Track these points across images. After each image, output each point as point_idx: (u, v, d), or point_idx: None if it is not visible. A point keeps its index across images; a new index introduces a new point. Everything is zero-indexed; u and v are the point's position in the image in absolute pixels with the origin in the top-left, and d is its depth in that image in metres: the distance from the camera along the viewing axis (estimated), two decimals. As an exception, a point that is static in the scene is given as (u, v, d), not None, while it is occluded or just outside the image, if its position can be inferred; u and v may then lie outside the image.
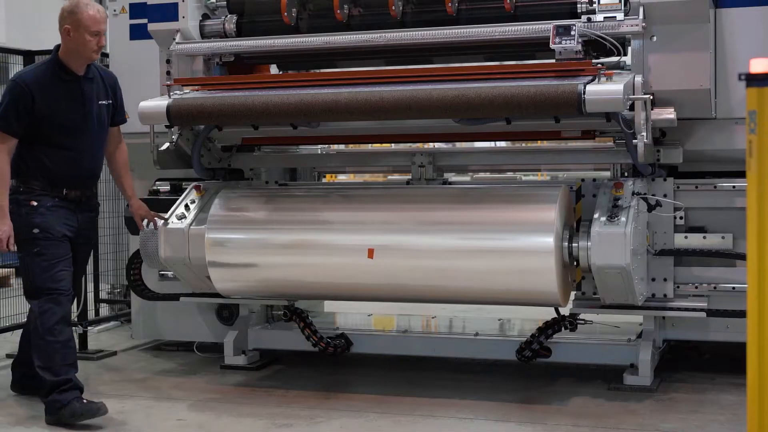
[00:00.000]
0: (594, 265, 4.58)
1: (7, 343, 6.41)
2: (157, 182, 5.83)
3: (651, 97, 4.56)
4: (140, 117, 5.15)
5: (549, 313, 5.20)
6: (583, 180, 5.18)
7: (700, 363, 5.57)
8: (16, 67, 6.67)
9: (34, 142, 4.65)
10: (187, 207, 5.28)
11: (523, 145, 6.85)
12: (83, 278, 6.29)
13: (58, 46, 4.73)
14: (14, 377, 5.18)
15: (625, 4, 4.75)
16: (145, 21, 5.62)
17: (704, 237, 5.05)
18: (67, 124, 4.68)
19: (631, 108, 4.49)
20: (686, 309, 4.99)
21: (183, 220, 5.20)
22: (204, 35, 5.53)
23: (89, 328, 6.40)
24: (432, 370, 5.61)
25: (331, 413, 4.59)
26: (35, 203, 4.65)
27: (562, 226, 4.68)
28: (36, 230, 4.62)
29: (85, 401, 4.53)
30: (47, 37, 13.49)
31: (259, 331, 5.82)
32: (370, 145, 6.17)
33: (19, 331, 6.35)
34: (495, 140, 6.27)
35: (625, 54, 4.83)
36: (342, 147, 6.20)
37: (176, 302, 5.80)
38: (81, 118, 4.72)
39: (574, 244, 4.71)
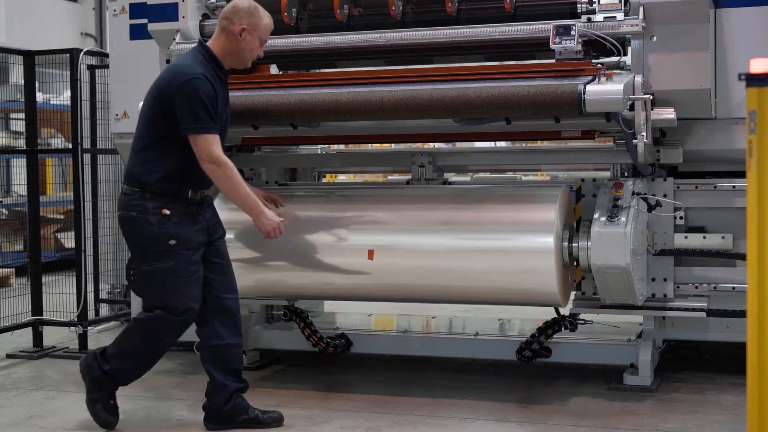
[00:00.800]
0: (594, 265, 4.59)
1: (7, 344, 6.41)
2: (157, 182, 5.82)
3: (651, 97, 4.56)
4: (140, 117, 5.15)
5: (549, 313, 5.21)
6: (583, 180, 5.18)
7: (700, 363, 5.57)
8: (16, 67, 6.68)
9: (171, 144, 4.28)
10: (187, 207, 5.28)
11: (523, 145, 6.86)
12: (84, 278, 6.32)
13: (204, 41, 4.43)
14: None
15: (625, 4, 4.75)
16: (145, 21, 5.62)
17: (704, 237, 5.05)
18: (221, 125, 4.37)
19: (631, 108, 4.48)
20: (686, 309, 4.98)
21: (183, 220, 5.20)
22: (204, 35, 5.52)
23: (89, 328, 6.40)
24: (432, 370, 5.61)
25: (330, 413, 4.59)
26: (168, 211, 4.26)
27: (562, 226, 4.69)
28: (173, 241, 4.26)
29: (111, 403, 4.46)
30: (47, 37, 13.53)
31: (259, 331, 5.82)
32: (370, 145, 6.17)
33: (19, 331, 6.39)
34: (495, 140, 6.27)
35: (625, 54, 4.83)
36: (342, 147, 6.19)
37: (176, 302, 5.79)
38: (226, 118, 4.48)
39: (574, 244, 4.72)
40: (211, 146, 4.23)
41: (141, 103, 4.46)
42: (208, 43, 4.42)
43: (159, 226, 4.27)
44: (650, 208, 4.92)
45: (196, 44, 4.55)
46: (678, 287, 5.07)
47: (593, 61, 4.66)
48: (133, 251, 4.44)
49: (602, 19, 4.74)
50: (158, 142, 4.30)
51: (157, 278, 4.30)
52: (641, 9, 4.68)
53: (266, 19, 4.45)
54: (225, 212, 5.08)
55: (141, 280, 4.41)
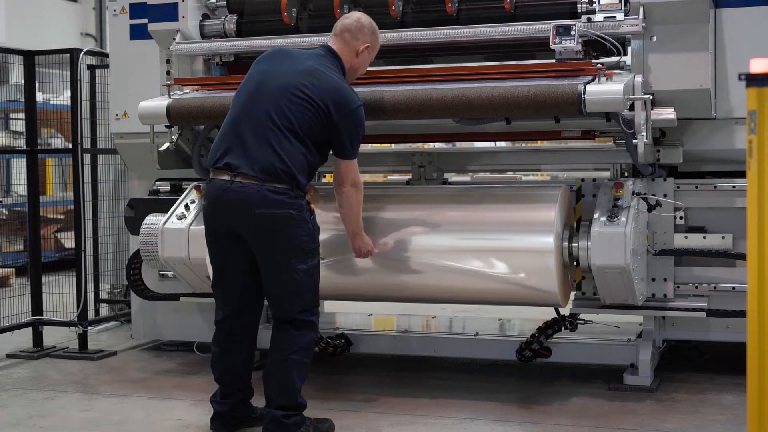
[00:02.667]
0: (594, 265, 4.59)
1: (7, 344, 6.41)
2: (157, 182, 5.83)
3: (651, 97, 4.56)
4: (140, 117, 5.15)
5: (549, 313, 5.21)
6: (583, 180, 5.18)
7: (700, 363, 5.57)
8: (16, 67, 6.67)
9: (319, 148, 4.26)
10: (187, 207, 5.27)
11: (523, 145, 6.85)
12: (84, 278, 6.32)
13: (339, 57, 4.37)
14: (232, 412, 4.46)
15: (625, 4, 4.75)
16: (145, 21, 5.62)
17: (704, 237, 5.05)
18: None
19: (631, 108, 4.48)
20: (686, 309, 4.99)
21: (183, 220, 5.20)
22: (204, 35, 5.53)
23: (89, 328, 6.40)
24: (432, 370, 5.61)
25: (331, 413, 4.59)
26: (313, 206, 4.32)
27: (562, 226, 4.68)
28: (319, 237, 4.30)
29: (312, 419, 4.32)
30: (47, 37, 13.50)
31: (259, 331, 5.80)
32: (369, 145, 6.17)
33: (19, 331, 6.38)
34: (495, 140, 6.27)
35: (625, 54, 4.83)
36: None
37: (176, 302, 5.80)
38: None
39: (574, 244, 4.72)
40: (356, 171, 4.34)
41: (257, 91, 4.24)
42: (335, 48, 4.36)
43: (313, 223, 4.25)
44: (650, 208, 4.92)
45: (327, 53, 4.37)
46: (678, 287, 5.07)
47: (593, 61, 4.66)
48: (288, 251, 4.13)
49: (602, 19, 4.74)
50: (313, 146, 4.21)
51: (313, 276, 4.23)
52: (641, 9, 4.68)
53: (380, 41, 4.49)
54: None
55: (296, 281, 4.15)
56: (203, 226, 5.06)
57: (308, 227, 4.19)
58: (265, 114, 4.16)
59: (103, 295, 7.25)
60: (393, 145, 6.13)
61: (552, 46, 4.65)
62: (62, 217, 10.24)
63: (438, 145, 6.14)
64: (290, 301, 4.17)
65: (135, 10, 5.89)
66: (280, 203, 4.10)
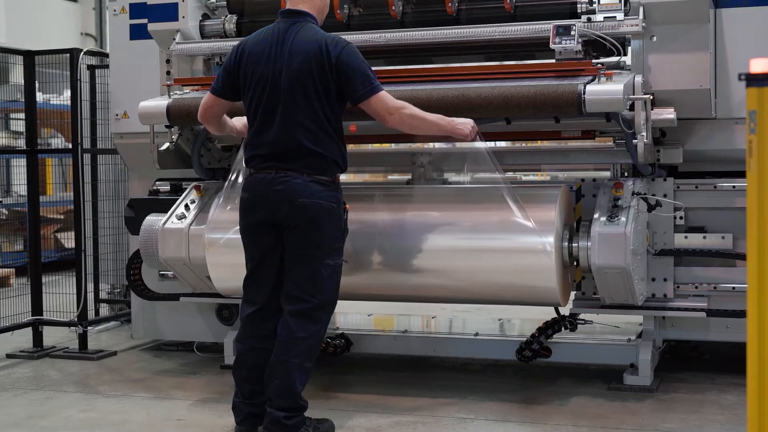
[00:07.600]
0: (594, 265, 4.59)
1: (7, 344, 6.41)
2: (157, 182, 5.83)
3: (651, 97, 4.57)
4: (140, 117, 5.15)
5: (549, 313, 5.21)
6: (583, 180, 5.18)
7: (700, 363, 5.57)
8: (16, 67, 6.68)
9: (340, 122, 4.21)
10: (187, 207, 5.28)
11: (523, 145, 6.85)
12: (84, 278, 6.32)
13: (308, 14, 4.29)
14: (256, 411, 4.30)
15: (625, 4, 4.76)
16: (145, 21, 5.63)
17: (704, 237, 5.05)
18: None
19: (631, 108, 4.49)
20: (686, 309, 4.99)
21: (183, 220, 5.20)
22: (204, 35, 5.54)
23: (89, 328, 6.40)
24: (432, 370, 5.61)
25: (331, 413, 4.59)
26: (348, 207, 4.32)
27: (562, 226, 4.69)
28: (346, 237, 4.33)
29: (312, 419, 4.29)
30: (47, 37, 13.51)
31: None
32: (369, 145, 6.16)
33: (19, 331, 6.38)
34: (495, 140, 6.27)
35: (625, 54, 4.83)
36: (342, 147, 6.17)
37: (176, 302, 5.80)
38: None
39: (574, 244, 4.72)
40: (384, 102, 4.18)
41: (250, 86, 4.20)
42: (300, 8, 4.27)
43: (345, 222, 4.28)
44: (650, 208, 4.92)
45: (289, 17, 4.26)
46: (678, 287, 5.06)
47: (593, 61, 4.67)
48: (321, 243, 4.16)
49: (602, 19, 4.74)
50: (334, 121, 4.17)
51: (337, 274, 4.24)
52: (641, 9, 4.68)
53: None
54: (225, 213, 5.09)
55: (321, 276, 4.15)
56: (203, 227, 5.10)
57: (341, 225, 4.24)
58: (287, 115, 4.12)
59: (103, 295, 7.26)
60: (393, 145, 6.12)
61: (552, 46, 4.65)
62: (62, 217, 10.25)
63: (438, 145, 6.14)
64: (310, 294, 4.15)
65: (135, 10, 5.89)
66: (323, 194, 4.13)
